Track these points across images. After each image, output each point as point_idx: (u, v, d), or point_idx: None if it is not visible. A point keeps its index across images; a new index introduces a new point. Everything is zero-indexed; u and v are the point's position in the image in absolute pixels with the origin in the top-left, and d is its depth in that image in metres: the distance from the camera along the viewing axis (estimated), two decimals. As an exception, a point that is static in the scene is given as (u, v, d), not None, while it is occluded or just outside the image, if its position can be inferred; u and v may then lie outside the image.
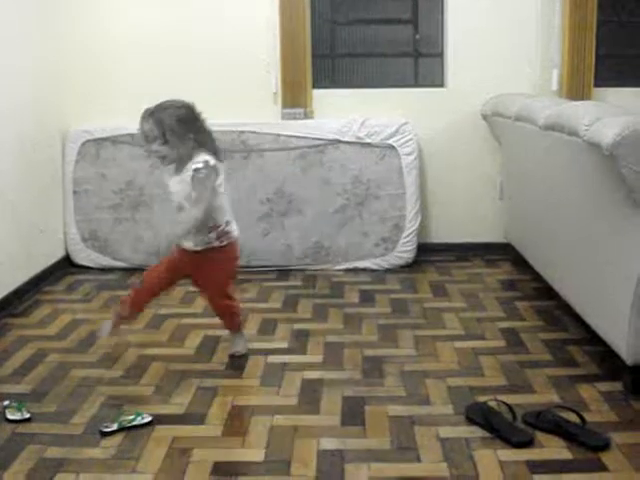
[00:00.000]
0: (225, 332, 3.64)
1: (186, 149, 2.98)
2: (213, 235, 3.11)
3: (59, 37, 4.62)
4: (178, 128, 2.93)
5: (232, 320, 3.38)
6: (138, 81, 4.78)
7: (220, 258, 3.18)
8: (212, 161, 2.99)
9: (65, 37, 4.67)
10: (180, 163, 3.03)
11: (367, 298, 4.17)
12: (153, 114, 2.94)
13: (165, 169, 3.15)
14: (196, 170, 2.96)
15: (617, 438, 2.55)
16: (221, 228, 3.13)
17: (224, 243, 3.15)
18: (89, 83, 4.80)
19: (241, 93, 4.77)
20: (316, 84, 4.84)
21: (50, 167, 4.64)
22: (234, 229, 3.20)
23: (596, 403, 2.82)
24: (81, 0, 4.74)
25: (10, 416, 2.76)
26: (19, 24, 4.18)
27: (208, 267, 3.18)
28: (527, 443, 2.53)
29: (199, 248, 3.13)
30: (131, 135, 4.66)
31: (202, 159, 2.97)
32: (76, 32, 4.73)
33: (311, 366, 3.24)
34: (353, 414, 2.79)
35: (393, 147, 4.63)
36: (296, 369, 3.20)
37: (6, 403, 2.84)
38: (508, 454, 2.48)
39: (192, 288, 4.33)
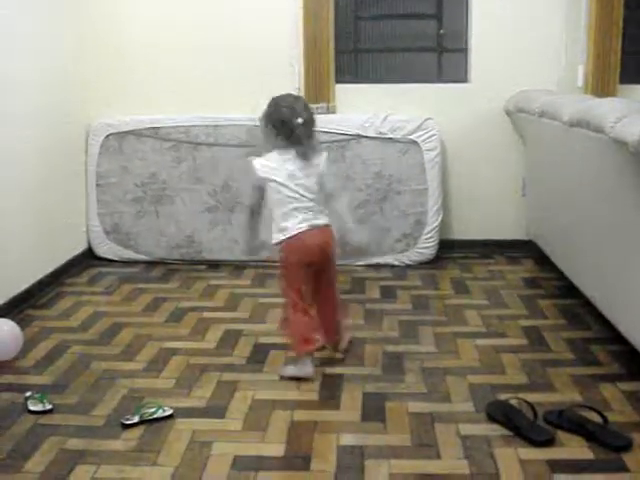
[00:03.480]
0: (247, 325, 3.65)
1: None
2: None
3: (81, 33, 4.63)
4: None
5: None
6: (161, 76, 4.78)
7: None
8: None
9: (87, 33, 4.68)
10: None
11: (388, 294, 4.15)
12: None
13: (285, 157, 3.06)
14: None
15: (639, 438, 2.52)
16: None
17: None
18: (112, 77, 4.80)
19: (263, 87, 4.72)
20: (339, 79, 4.82)
21: (73, 160, 4.66)
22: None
23: (618, 403, 2.80)
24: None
25: (32, 407, 2.79)
26: (41, 20, 4.20)
27: None
28: (548, 442, 2.52)
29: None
30: (154, 128, 4.68)
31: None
32: (98, 29, 4.74)
33: (332, 361, 3.24)
34: (373, 410, 2.78)
35: (416, 142, 4.60)
36: (317, 364, 3.19)
37: (28, 394, 2.86)
38: (529, 453, 2.47)
39: (214, 282, 4.39)
